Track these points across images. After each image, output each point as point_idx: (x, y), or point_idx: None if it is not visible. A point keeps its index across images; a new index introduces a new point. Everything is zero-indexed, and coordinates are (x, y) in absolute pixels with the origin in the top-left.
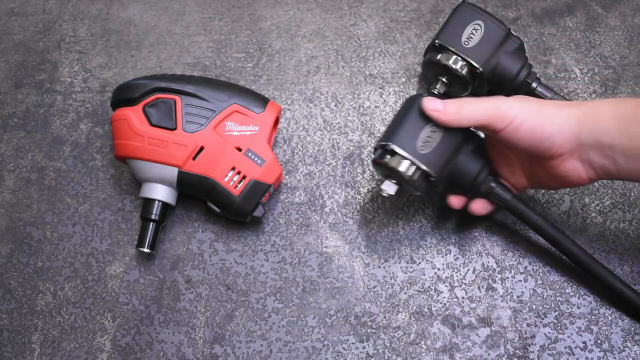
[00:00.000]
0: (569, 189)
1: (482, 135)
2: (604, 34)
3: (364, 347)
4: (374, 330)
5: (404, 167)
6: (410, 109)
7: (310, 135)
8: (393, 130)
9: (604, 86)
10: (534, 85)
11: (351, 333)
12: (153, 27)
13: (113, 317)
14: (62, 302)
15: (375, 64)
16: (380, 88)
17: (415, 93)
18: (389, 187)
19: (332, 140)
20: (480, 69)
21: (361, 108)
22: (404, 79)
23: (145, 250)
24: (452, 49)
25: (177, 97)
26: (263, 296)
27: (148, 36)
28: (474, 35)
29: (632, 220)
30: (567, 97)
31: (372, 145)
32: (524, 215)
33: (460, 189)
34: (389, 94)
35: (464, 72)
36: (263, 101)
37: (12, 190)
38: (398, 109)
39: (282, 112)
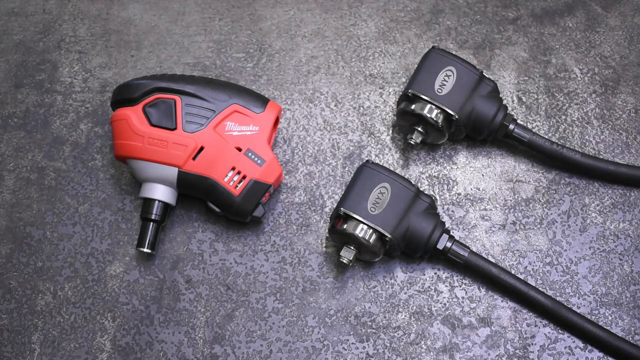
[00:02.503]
0: (569, 189)
1: (432, 194)
2: (604, 34)
3: (364, 347)
4: (374, 330)
5: (358, 229)
6: (359, 177)
7: (310, 135)
8: (344, 197)
9: (604, 86)
10: (511, 127)
11: (351, 333)
12: (153, 27)
13: (113, 317)
14: (62, 302)
15: (375, 64)
16: (380, 88)
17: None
18: (348, 253)
19: (332, 140)
20: (456, 116)
21: (361, 108)
22: (404, 79)
23: (145, 250)
24: (425, 97)
25: (177, 97)
26: (263, 296)
27: (148, 36)
28: (447, 81)
29: (632, 220)
30: (542, 136)
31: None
32: (484, 270)
33: (417, 249)
34: (389, 94)
35: (439, 120)
36: (263, 101)
37: (12, 190)
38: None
39: (282, 112)
